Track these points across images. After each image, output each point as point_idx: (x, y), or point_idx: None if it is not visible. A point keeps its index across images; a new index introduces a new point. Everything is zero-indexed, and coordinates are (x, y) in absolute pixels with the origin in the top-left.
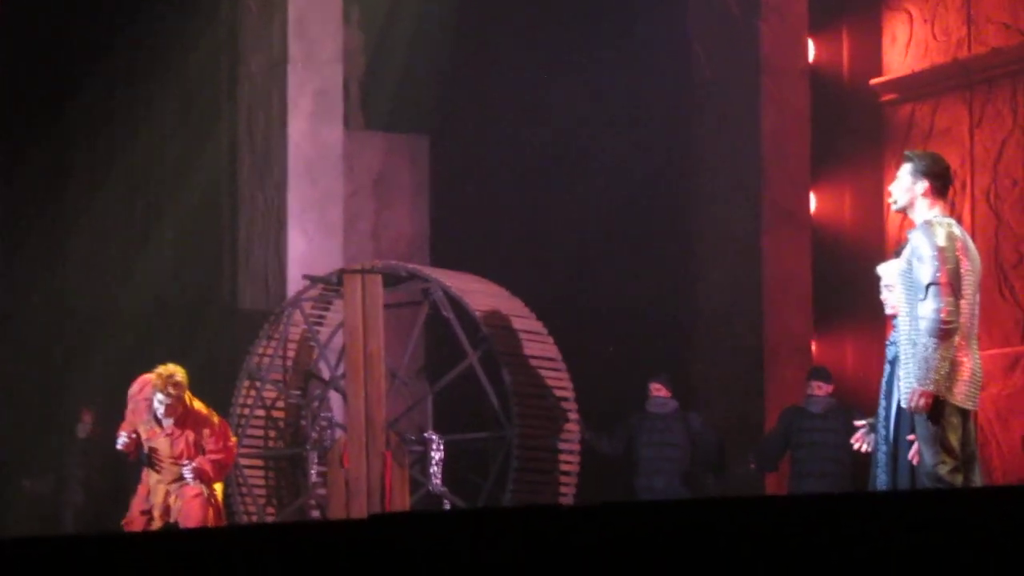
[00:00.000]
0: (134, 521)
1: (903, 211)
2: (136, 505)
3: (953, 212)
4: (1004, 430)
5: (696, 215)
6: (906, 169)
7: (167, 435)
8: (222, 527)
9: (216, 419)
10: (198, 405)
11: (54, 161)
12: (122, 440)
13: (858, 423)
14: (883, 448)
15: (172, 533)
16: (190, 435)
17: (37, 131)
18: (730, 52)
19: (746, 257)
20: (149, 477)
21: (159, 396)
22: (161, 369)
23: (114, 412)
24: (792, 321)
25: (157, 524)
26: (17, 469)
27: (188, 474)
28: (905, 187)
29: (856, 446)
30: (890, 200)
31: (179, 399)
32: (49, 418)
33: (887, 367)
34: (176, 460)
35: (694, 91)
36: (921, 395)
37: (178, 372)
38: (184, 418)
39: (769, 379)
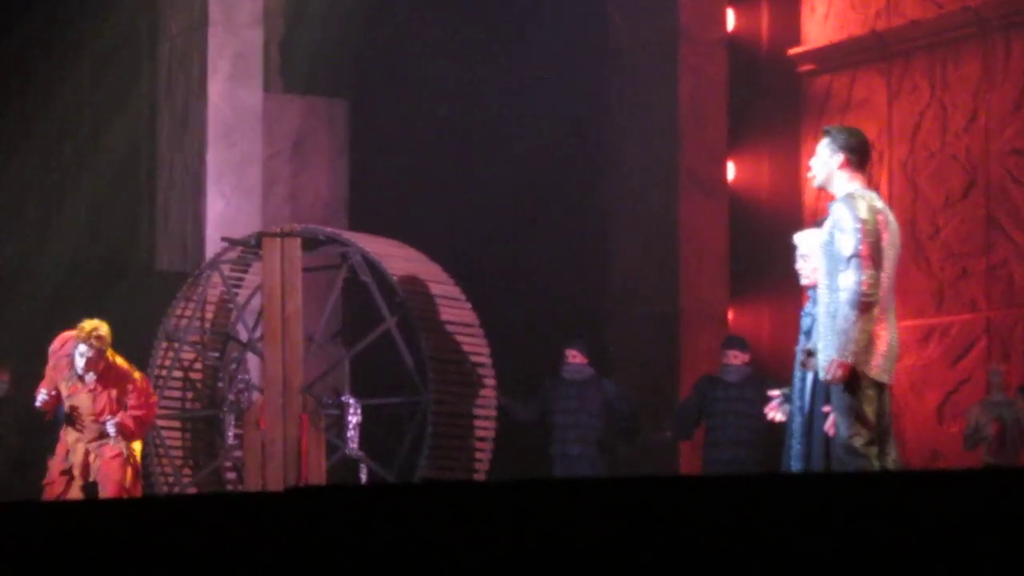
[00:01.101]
0: (54, 482)
1: (823, 186)
2: (56, 466)
3: (871, 184)
4: (918, 401)
5: (612, 183)
6: (824, 143)
7: (89, 391)
8: (139, 498)
9: (138, 375)
10: (120, 361)
11: None
12: (41, 397)
13: (772, 393)
14: (798, 419)
15: (90, 503)
16: (112, 391)
17: None
18: (648, 20)
19: (662, 225)
20: (68, 436)
21: (81, 348)
22: (85, 323)
23: (31, 371)
24: (708, 290)
25: (77, 483)
26: None
27: (111, 429)
28: (823, 162)
29: (770, 416)
30: (809, 175)
31: (101, 353)
32: None
33: (802, 337)
34: (97, 417)
35: (611, 58)
36: (839, 366)
37: (102, 327)
38: (106, 374)
39: (684, 347)
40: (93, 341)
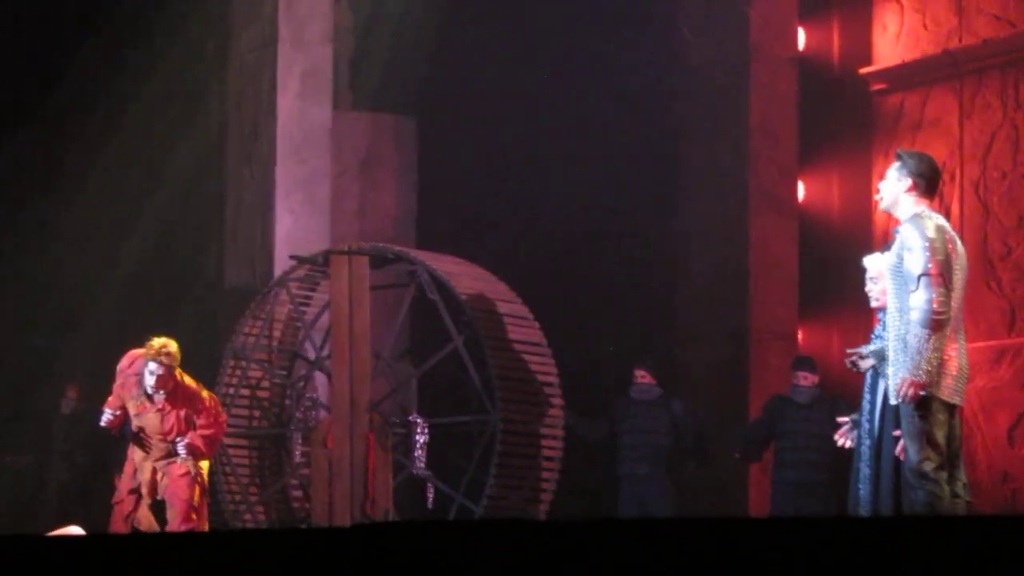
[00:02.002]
0: (123, 501)
1: (889, 210)
2: (124, 484)
3: (942, 204)
4: (989, 423)
5: (684, 201)
6: (894, 167)
7: (158, 410)
8: (208, 532)
9: (206, 394)
10: (188, 380)
11: (44, 138)
12: (106, 416)
13: (841, 419)
14: (867, 442)
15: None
16: (180, 411)
17: (28, 109)
18: (719, 38)
19: (733, 244)
20: (135, 454)
21: (151, 365)
22: (154, 340)
23: (99, 388)
24: (778, 309)
25: (145, 502)
26: (1, 445)
27: (182, 450)
28: (891, 185)
29: (840, 442)
30: (877, 198)
31: (170, 371)
32: (34, 393)
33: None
34: (165, 436)
35: (683, 77)
36: (911, 384)
37: (171, 344)
38: (175, 393)
39: (754, 367)
40: (162, 358)
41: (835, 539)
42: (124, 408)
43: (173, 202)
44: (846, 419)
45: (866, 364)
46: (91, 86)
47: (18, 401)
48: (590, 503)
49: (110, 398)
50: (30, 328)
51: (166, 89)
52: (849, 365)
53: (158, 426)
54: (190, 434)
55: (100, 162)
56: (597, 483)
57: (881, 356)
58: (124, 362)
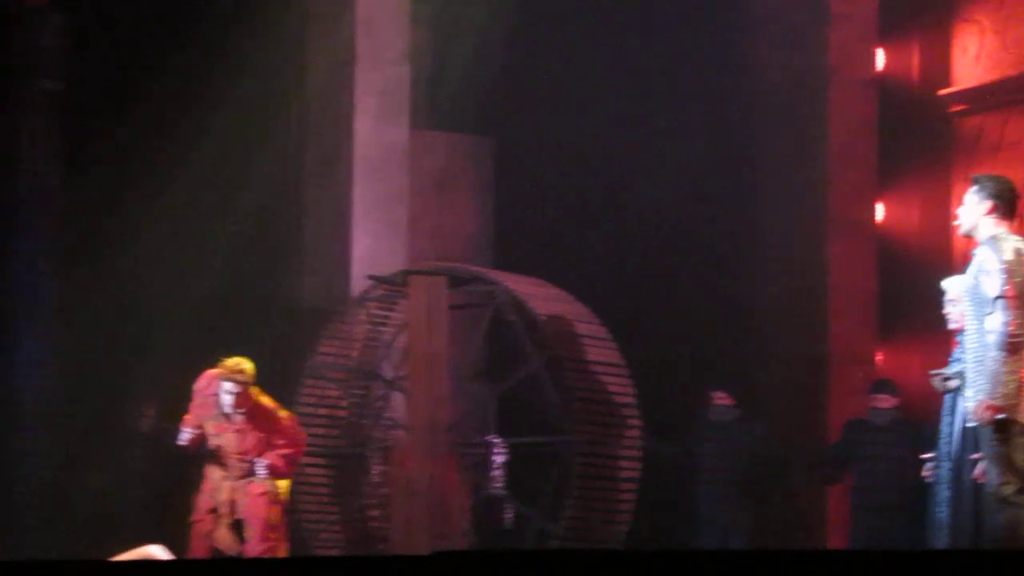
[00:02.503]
0: (203, 520)
1: (969, 234)
2: (203, 503)
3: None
4: None
5: (762, 223)
6: (972, 191)
7: (236, 430)
8: (287, 559)
9: (284, 414)
10: (266, 400)
11: (122, 156)
12: (185, 436)
13: (925, 456)
14: (946, 465)
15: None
16: (259, 431)
17: (105, 126)
18: (797, 60)
19: (811, 266)
20: (213, 474)
21: (226, 385)
22: (227, 360)
23: (177, 407)
24: (856, 331)
25: (224, 521)
26: (80, 463)
27: (261, 470)
28: (970, 209)
29: (926, 478)
30: (956, 223)
31: (245, 389)
32: (112, 412)
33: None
34: (244, 456)
35: (761, 99)
36: (987, 407)
37: (244, 362)
38: (253, 413)
39: (833, 389)
40: (236, 377)
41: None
42: (202, 427)
43: (250, 221)
44: (930, 455)
45: (953, 384)
46: (167, 106)
47: (97, 420)
48: (668, 525)
49: (188, 417)
50: (109, 347)
51: (243, 109)
52: (937, 385)
53: (236, 446)
54: (269, 454)
55: (176, 181)
56: (675, 505)
57: (961, 378)
58: (202, 382)
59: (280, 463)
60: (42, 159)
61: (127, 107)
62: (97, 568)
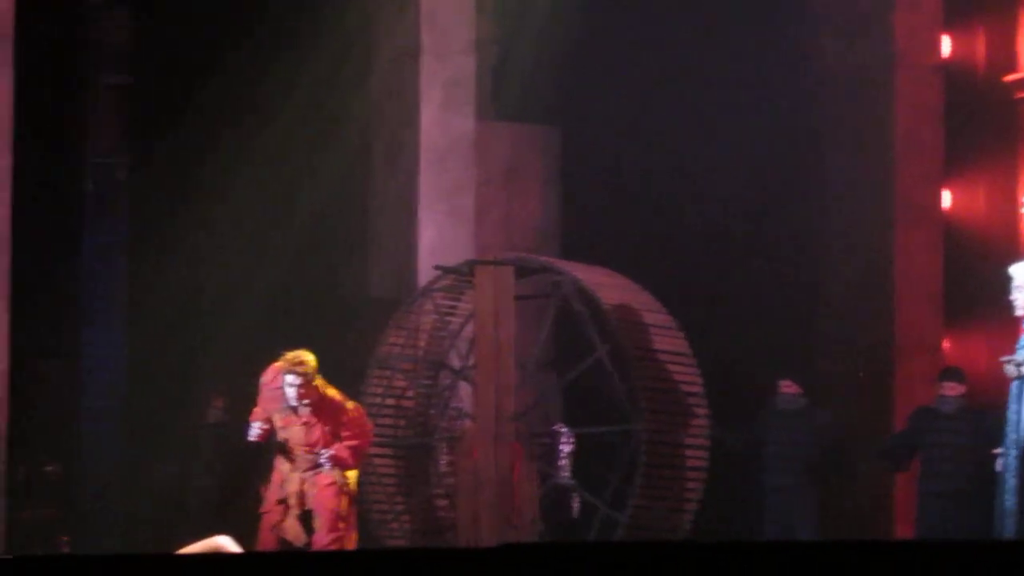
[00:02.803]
0: (271, 511)
1: None
2: (272, 494)
3: None
4: None
5: (827, 210)
6: None
7: (303, 423)
8: (355, 551)
9: (351, 405)
10: (332, 392)
11: (189, 149)
12: (254, 431)
13: (996, 452)
14: (1012, 452)
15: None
16: (325, 423)
17: (172, 120)
18: (862, 47)
19: (876, 253)
20: (282, 465)
21: (288, 378)
22: (288, 354)
23: (244, 397)
24: (923, 319)
25: (294, 512)
26: (149, 453)
27: (326, 462)
28: None
29: (998, 469)
30: (1022, 209)
31: (309, 382)
32: (180, 402)
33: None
34: (310, 449)
35: (826, 85)
36: None
37: (304, 355)
38: (319, 406)
39: (899, 377)
40: (297, 369)
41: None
42: (270, 421)
43: (317, 212)
44: (1000, 450)
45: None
46: (234, 97)
47: (165, 411)
48: (735, 513)
49: (256, 410)
50: (177, 339)
51: (309, 100)
52: (1009, 372)
53: (303, 438)
54: (336, 445)
55: (244, 172)
56: (742, 493)
57: None
58: (267, 376)
59: (346, 454)
60: (110, 153)
61: (193, 100)
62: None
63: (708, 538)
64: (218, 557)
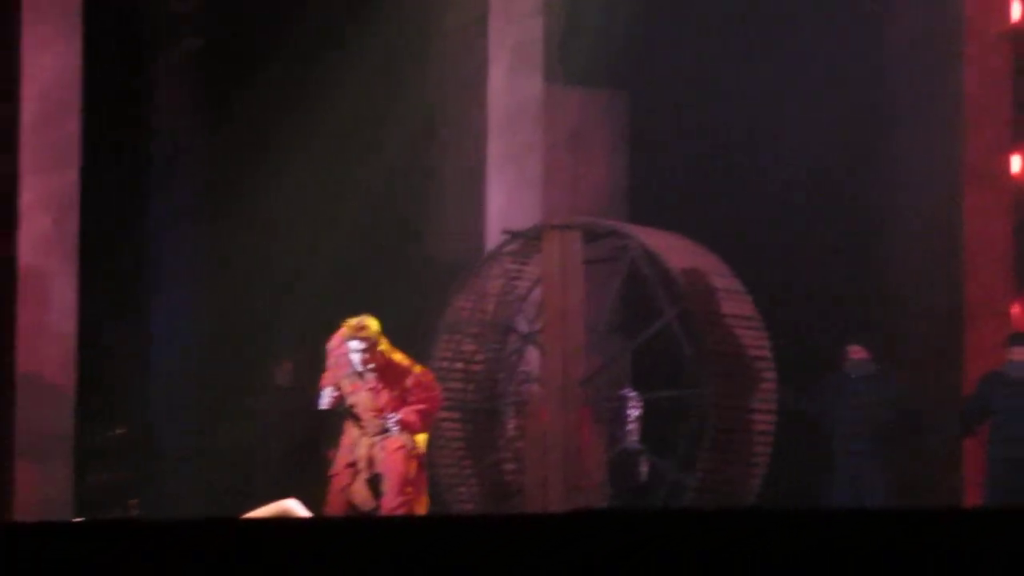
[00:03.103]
0: (341, 473)
1: None
2: (342, 458)
3: None
4: None
5: (896, 176)
6: None
7: (369, 389)
8: (420, 517)
9: (418, 369)
10: (398, 357)
11: (259, 115)
12: (326, 398)
13: None
14: None
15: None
16: (392, 387)
17: (242, 84)
18: (931, 12)
19: (944, 219)
20: (351, 429)
21: (353, 344)
22: (350, 320)
23: (312, 362)
24: (992, 284)
25: (362, 476)
26: (219, 415)
27: (393, 426)
28: None
29: None
30: None
31: (373, 347)
32: (250, 366)
33: None
34: (378, 414)
35: (894, 52)
36: None
37: (366, 320)
38: (384, 370)
39: (968, 342)
40: (360, 335)
41: None
42: (339, 386)
43: (386, 177)
44: None
45: None
46: (303, 62)
47: (235, 374)
48: (803, 479)
49: (325, 375)
50: (248, 303)
51: (378, 64)
52: None
53: (371, 403)
54: (403, 410)
55: (312, 137)
56: (811, 458)
57: None
58: (333, 342)
59: (414, 418)
60: (182, 119)
61: (264, 65)
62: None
63: (776, 503)
64: (286, 522)
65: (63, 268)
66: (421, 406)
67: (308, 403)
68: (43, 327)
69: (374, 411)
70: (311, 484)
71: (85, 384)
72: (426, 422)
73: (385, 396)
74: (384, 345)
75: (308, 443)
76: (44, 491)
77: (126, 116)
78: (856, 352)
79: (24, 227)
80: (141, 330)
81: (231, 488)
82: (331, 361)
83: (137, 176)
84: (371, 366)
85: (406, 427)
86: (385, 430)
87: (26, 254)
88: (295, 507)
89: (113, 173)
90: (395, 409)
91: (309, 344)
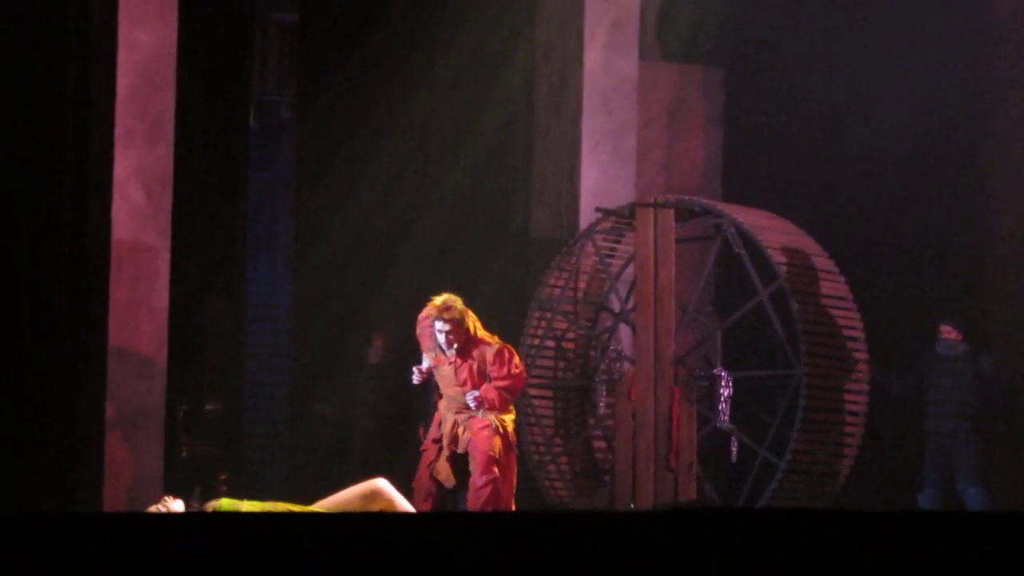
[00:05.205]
0: (429, 449)
1: None
2: (431, 433)
3: None
4: None
5: (992, 154)
6: None
7: (450, 363)
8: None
9: (499, 345)
10: (482, 333)
11: (355, 88)
12: (416, 376)
13: None
14: None
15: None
16: (473, 363)
17: (339, 57)
18: None
19: None
20: (441, 405)
21: (437, 324)
22: (435, 299)
23: (404, 338)
24: None
25: (445, 453)
26: (310, 392)
27: (471, 402)
28: None
29: None
30: None
31: (458, 327)
32: (342, 342)
33: None
34: (461, 388)
35: (994, 28)
36: None
37: (451, 298)
38: (467, 346)
39: None
40: (444, 315)
41: None
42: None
43: (481, 154)
44: None
45: None
46: (400, 38)
47: (327, 351)
48: (895, 459)
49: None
50: (342, 278)
51: (475, 41)
52: None
53: (453, 379)
54: (484, 387)
55: (409, 114)
56: (903, 438)
57: None
58: (422, 315)
59: (493, 395)
60: (277, 91)
61: (360, 39)
62: (233, 521)
63: (867, 483)
64: (284, 517)
65: (157, 243)
66: (503, 383)
67: (399, 378)
68: (137, 302)
69: (455, 387)
70: (401, 461)
71: (177, 359)
72: (505, 400)
73: (466, 371)
74: (470, 321)
75: (398, 420)
76: (135, 465)
77: (222, 90)
78: (948, 332)
79: (118, 202)
80: (235, 305)
81: (323, 465)
82: (419, 331)
83: (233, 150)
84: (455, 345)
85: (484, 404)
86: (466, 406)
87: (120, 229)
88: (384, 486)
89: (209, 147)
90: (476, 385)
91: (404, 319)
